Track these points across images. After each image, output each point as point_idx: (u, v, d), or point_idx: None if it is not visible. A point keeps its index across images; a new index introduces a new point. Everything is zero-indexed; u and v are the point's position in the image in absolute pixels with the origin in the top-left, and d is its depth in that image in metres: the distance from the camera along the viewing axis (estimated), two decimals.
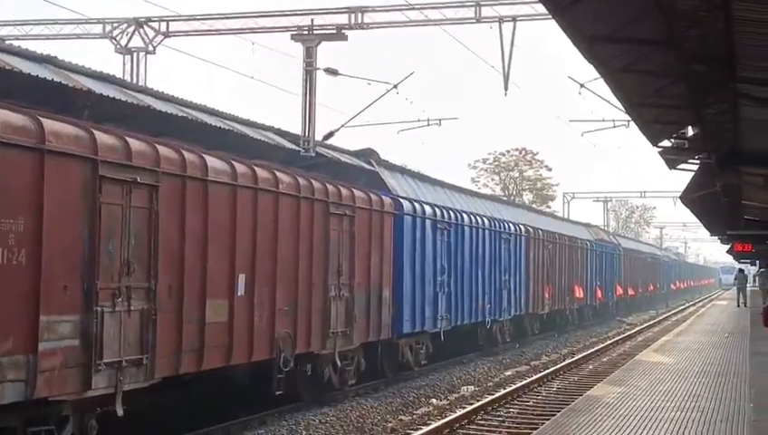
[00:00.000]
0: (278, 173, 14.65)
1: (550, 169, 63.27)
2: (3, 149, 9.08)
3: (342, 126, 21.94)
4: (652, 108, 14.62)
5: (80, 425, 10.47)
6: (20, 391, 9.24)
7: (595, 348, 28.55)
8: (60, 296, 9.80)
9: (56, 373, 9.71)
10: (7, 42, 18.24)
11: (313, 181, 15.81)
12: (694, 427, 10.15)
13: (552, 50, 69.84)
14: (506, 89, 23.05)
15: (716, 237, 47.51)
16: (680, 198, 28.48)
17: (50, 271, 9.59)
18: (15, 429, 9.54)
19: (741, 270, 47.78)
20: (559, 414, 11.48)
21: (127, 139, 11.13)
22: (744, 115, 15.09)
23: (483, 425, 15.01)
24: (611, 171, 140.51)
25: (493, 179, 61.96)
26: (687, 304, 62.82)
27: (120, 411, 10.73)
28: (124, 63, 23.99)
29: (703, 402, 11.89)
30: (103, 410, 11.07)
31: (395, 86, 21.95)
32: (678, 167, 21.46)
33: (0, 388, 8.95)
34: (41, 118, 9.80)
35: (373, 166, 21.51)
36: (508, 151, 62.15)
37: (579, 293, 37.65)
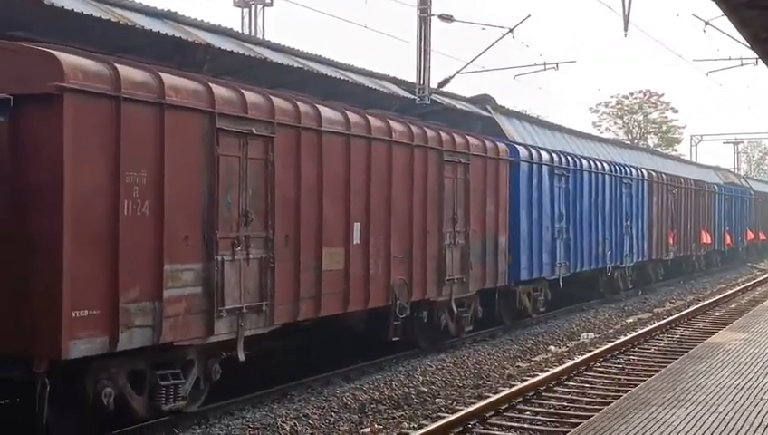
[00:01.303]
0: (391, 122, 14.72)
1: (676, 111, 61.33)
2: (125, 104, 9.42)
3: (457, 72, 21.87)
4: None
5: (204, 369, 10.92)
6: (147, 336, 9.70)
7: (722, 295, 27.77)
8: (182, 246, 10.19)
9: (180, 319, 10.14)
10: None
11: (427, 129, 15.82)
12: None
13: None
14: (626, 30, 22.39)
15: None
16: None
17: (172, 222, 9.97)
18: (144, 372, 10.04)
19: None
20: (676, 361, 11.29)
21: (243, 91, 11.37)
22: None
23: (601, 372, 14.88)
24: (742, 112, 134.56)
25: (615, 123, 60.52)
26: None
27: (241, 356, 11.14)
28: (242, 16, 24.42)
29: None
30: (226, 355, 11.55)
31: (510, 30, 21.65)
32: None
33: (128, 333, 9.41)
34: (160, 73, 10.11)
35: (489, 112, 21.36)
36: (632, 94, 60.47)
37: (706, 238, 36.55)
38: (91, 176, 9.07)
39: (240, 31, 20.65)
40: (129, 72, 9.62)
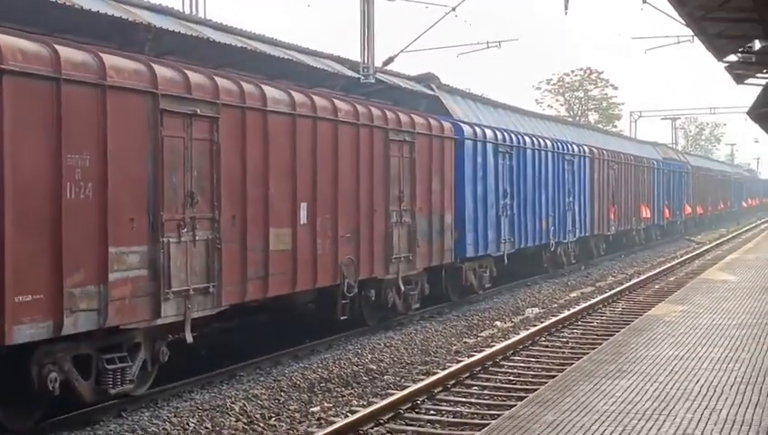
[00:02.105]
0: (336, 101, 14.72)
1: (615, 88, 62.20)
2: (66, 85, 9.28)
3: (402, 51, 21.81)
4: (717, 22, 14.26)
5: (151, 352, 10.87)
6: (93, 319, 9.61)
7: (662, 268, 28.37)
8: (127, 228, 10.10)
9: (127, 302, 10.07)
10: None
11: (372, 108, 15.85)
12: (754, 343, 10.14)
13: None
14: (566, 8, 22.60)
15: None
16: (748, 112, 27.82)
17: (116, 204, 9.87)
18: (90, 356, 9.96)
19: None
20: (618, 334, 11.55)
21: (186, 72, 11.27)
22: None
23: (546, 346, 15.15)
24: (679, 89, 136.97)
25: (557, 100, 61.21)
26: (759, 222, 61.66)
27: (189, 338, 11.11)
28: None
29: (765, 319, 11.82)
30: (174, 338, 11.51)
31: (453, 9, 21.68)
32: (746, 82, 20.96)
33: (73, 317, 9.32)
34: (101, 54, 9.97)
35: (434, 90, 21.42)
36: (572, 71, 61.14)
37: (646, 212, 37.26)
38: (31, 159, 8.93)
39: (182, 10, 20.38)
40: (69, 53, 9.48)
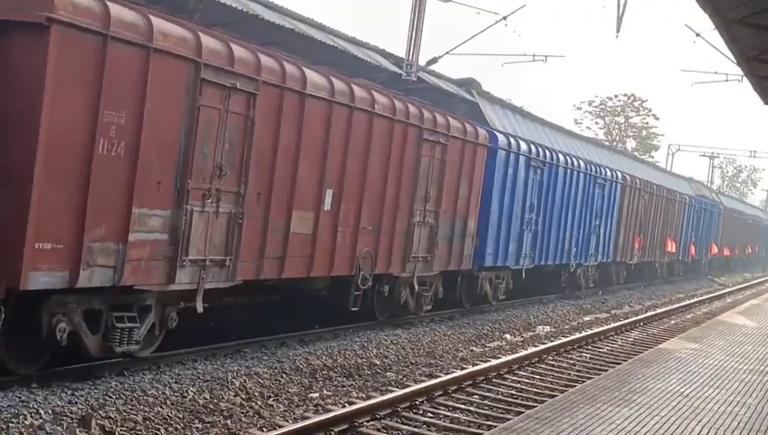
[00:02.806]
0: (375, 93, 14.71)
1: (657, 119, 61.80)
2: (112, 43, 9.34)
3: (447, 52, 21.85)
4: (767, 64, 14.12)
5: (161, 316, 10.94)
6: (108, 276, 9.69)
7: (680, 304, 28.14)
8: (153, 191, 10.16)
9: (143, 264, 10.14)
10: None
11: (409, 105, 15.83)
12: (761, 390, 10.03)
13: None
14: (618, 30, 22.48)
15: None
16: None
17: (145, 166, 9.93)
18: (101, 312, 10.04)
19: None
20: (626, 363, 11.48)
21: (230, 44, 11.32)
22: None
23: (552, 365, 15.06)
24: (721, 128, 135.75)
25: (597, 123, 60.88)
26: None
27: (200, 308, 11.17)
28: None
29: None
30: (185, 305, 11.57)
31: (504, 18, 21.64)
32: None
33: (90, 271, 9.40)
34: (151, 16, 10.03)
35: (473, 96, 21.39)
36: (616, 96, 60.79)
37: (671, 246, 36.97)
38: (69, 111, 9.00)
39: None
40: (119, 11, 9.54)
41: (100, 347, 10.12)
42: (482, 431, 8.87)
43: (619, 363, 12.67)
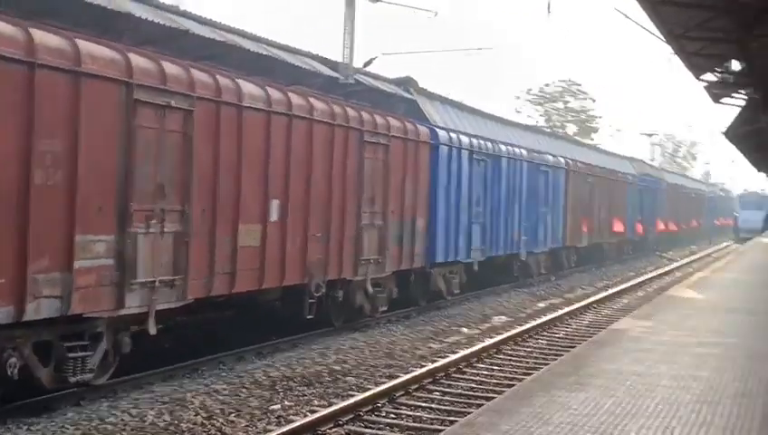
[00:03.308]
0: (312, 100, 14.71)
1: (594, 101, 62.64)
2: (40, 70, 9.23)
3: (382, 53, 21.89)
4: (695, 41, 14.42)
5: (114, 342, 10.82)
6: (56, 307, 9.56)
7: (631, 283, 28.57)
8: (95, 217, 10.06)
9: (91, 291, 10.02)
10: None
11: (348, 109, 15.86)
12: (715, 362, 10.23)
13: None
14: (549, 11, 22.68)
15: (765, 174, 46.83)
16: (725, 133, 28.10)
17: (85, 192, 9.83)
18: (52, 343, 9.90)
19: None
20: (580, 346, 11.63)
21: (162, 62, 11.24)
22: None
23: (510, 355, 15.20)
24: (658, 106, 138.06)
25: (537, 110, 61.52)
26: (731, 242, 62.20)
27: (152, 330, 11.07)
28: None
29: (729, 339, 11.93)
30: (138, 329, 11.45)
31: (436, 13, 21.77)
32: (723, 101, 21.18)
33: (36, 303, 9.27)
34: (77, 40, 9.93)
35: (412, 94, 21.45)
36: (553, 82, 61.51)
37: (618, 226, 37.50)
38: (1, 142, 8.87)
39: (164, 1, 20.28)
40: (43, 38, 9.43)
41: (53, 379, 9.98)
42: (444, 428, 8.93)
43: (574, 347, 12.84)
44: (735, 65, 16.98)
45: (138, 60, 10.75)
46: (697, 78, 18.02)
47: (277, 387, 11.99)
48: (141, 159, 10.70)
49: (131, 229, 10.55)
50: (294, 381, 12.36)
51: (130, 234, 10.54)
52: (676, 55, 16.44)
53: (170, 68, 11.29)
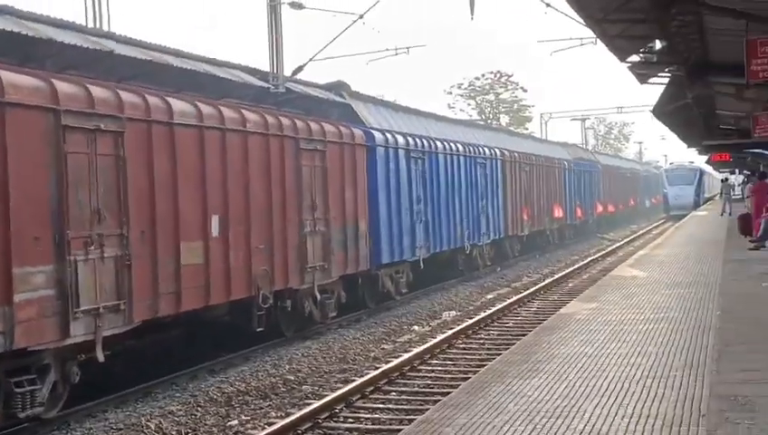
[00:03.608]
0: (245, 112, 14.66)
1: (525, 91, 63.34)
2: None
3: (311, 60, 21.82)
4: (616, 23, 14.66)
5: (62, 373, 10.65)
6: None
7: (575, 266, 28.96)
8: (31, 248, 9.90)
9: (34, 323, 9.86)
10: None
11: (282, 118, 15.83)
12: (661, 337, 10.41)
13: None
14: (472, 13, 22.93)
15: (694, 149, 47.79)
16: (653, 111, 28.65)
17: (19, 223, 9.67)
18: None
19: (725, 179, 48.05)
20: (530, 334, 11.75)
21: (89, 86, 11.11)
22: (708, 25, 15.21)
23: (463, 348, 15.33)
24: (588, 90, 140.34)
25: (469, 104, 62.00)
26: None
27: (100, 357, 10.92)
28: (86, 8, 23.61)
29: (672, 313, 12.14)
30: (85, 357, 11.29)
31: (361, 16, 21.81)
32: (649, 81, 21.58)
33: None
34: None
35: (345, 98, 21.48)
36: (483, 75, 62.04)
37: (558, 212, 37.98)
38: None
39: (85, 23, 20.01)
40: None
41: (2, 416, 9.81)
42: (402, 427, 8.96)
43: (525, 335, 12.99)
44: (658, 45, 17.34)
45: (63, 86, 10.60)
46: (622, 61, 18.35)
47: (233, 402, 11.92)
48: (75, 185, 10.56)
49: (70, 257, 10.40)
50: (250, 395, 12.29)
51: (70, 262, 10.39)
52: (599, 39, 16.76)
53: (98, 91, 11.16)
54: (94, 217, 10.85)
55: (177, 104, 12.80)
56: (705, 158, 49.79)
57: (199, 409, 11.57)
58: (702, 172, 60.35)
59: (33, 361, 10.18)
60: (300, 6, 20.80)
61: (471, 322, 17.49)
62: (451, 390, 10.66)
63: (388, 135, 20.65)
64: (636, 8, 13.32)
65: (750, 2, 12.56)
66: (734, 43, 14.49)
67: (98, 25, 22.39)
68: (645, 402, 7.59)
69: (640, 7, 13.21)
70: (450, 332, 16.39)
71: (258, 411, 11.44)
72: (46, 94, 10.27)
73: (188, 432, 10.51)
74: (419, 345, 15.35)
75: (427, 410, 8.72)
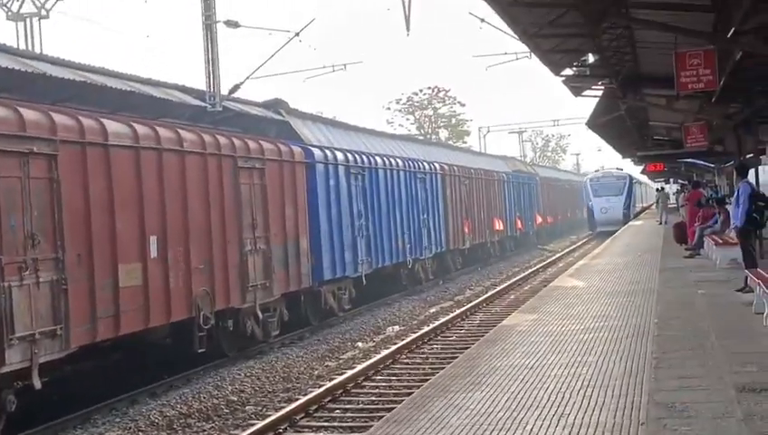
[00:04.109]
0: (182, 131, 14.55)
1: (463, 105, 63.93)
2: None
3: (247, 78, 21.84)
4: (549, 38, 14.91)
5: None
6: None
7: (516, 278, 29.21)
8: None
9: None
10: None
11: (219, 137, 15.74)
12: (601, 346, 10.55)
13: None
14: (408, 29, 23.10)
15: (629, 159, 48.54)
16: (587, 123, 29.13)
17: None
18: None
19: (660, 188, 48.51)
20: (473, 347, 11.82)
21: (20, 109, 10.93)
22: (639, 39, 15.54)
23: (407, 364, 15.34)
24: (524, 103, 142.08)
25: (408, 119, 62.31)
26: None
27: (37, 384, 10.71)
28: (17, 31, 23.29)
29: (611, 322, 12.31)
30: (22, 385, 11.05)
31: (297, 34, 21.84)
32: (583, 93, 21.97)
33: None
34: None
35: (283, 116, 21.44)
36: (421, 90, 62.45)
37: (498, 225, 38.31)
38: None
39: (16, 46, 19.70)
40: None
41: None
42: None
43: (467, 348, 13.06)
44: (591, 58, 17.64)
45: None
46: (556, 74, 18.64)
47: (175, 426, 11.76)
48: (7, 209, 10.38)
49: (4, 283, 10.20)
50: (192, 418, 12.14)
51: (4, 287, 10.19)
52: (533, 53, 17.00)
53: (29, 114, 10.99)
54: (28, 242, 10.66)
55: (112, 125, 12.65)
56: (641, 168, 50.62)
57: (140, 434, 11.39)
58: (631, 180, 53.15)
59: None
60: (235, 25, 20.74)
61: (415, 336, 17.52)
62: (395, 405, 10.68)
63: (328, 151, 20.65)
64: (568, 23, 13.56)
65: (678, 15, 12.87)
66: (664, 56, 14.84)
67: (30, 48, 22.11)
68: (586, 412, 7.68)
69: (573, 22, 13.45)
70: (394, 347, 16.40)
71: (201, 434, 11.30)
72: None
73: None
74: (363, 362, 15.33)
75: (371, 426, 8.72)
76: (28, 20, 23.24)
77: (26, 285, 10.57)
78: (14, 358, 10.30)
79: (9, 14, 23.52)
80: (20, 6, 23.50)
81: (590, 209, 51.48)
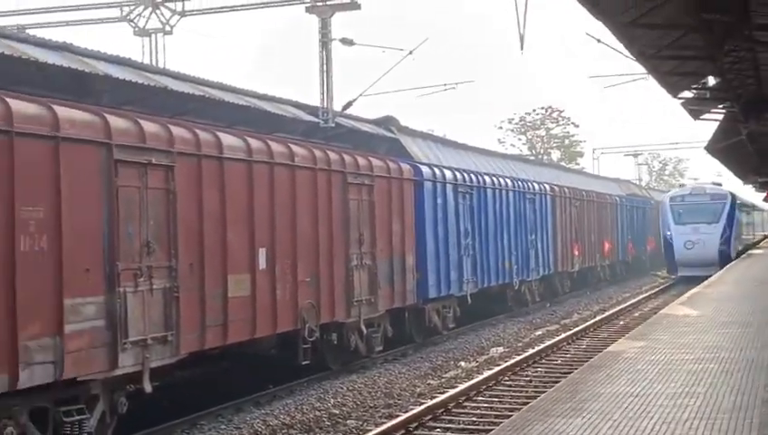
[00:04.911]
0: (293, 146, 14.83)
1: (577, 126, 62.99)
2: (17, 139, 9.31)
3: (360, 95, 22.01)
4: (668, 60, 14.60)
5: (110, 403, 10.78)
6: (49, 372, 9.55)
7: (627, 303, 28.59)
8: (82, 279, 10.08)
9: (83, 354, 10.01)
10: (28, 30, 18.55)
11: (330, 152, 15.98)
12: (708, 378, 10.25)
13: (568, 5, 69.03)
14: (522, 48, 22.90)
15: (750, 185, 46.95)
16: (706, 147, 28.32)
17: (71, 255, 9.85)
18: (47, 409, 9.87)
19: None
20: (576, 371, 11.64)
21: (140, 121, 11.34)
22: (762, 62, 15.04)
23: (510, 385, 15.20)
24: (641, 125, 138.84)
25: (519, 139, 61.78)
26: None
27: (148, 388, 11.04)
28: (143, 46, 24.21)
29: (723, 353, 11.95)
30: (133, 388, 11.42)
31: (410, 52, 21.97)
32: (703, 117, 21.38)
33: (29, 370, 9.25)
34: (54, 106, 10.02)
35: (394, 133, 21.62)
36: (534, 110, 61.86)
37: (609, 249, 37.57)
38: None
39: (141, 60, 20.48)
40: (21, 106, 9.52)
41: None
42: None
43: (571, 373, 12.86)
44: (711, 81, 17.18)
45: (116, 121, 10.84)
46: (674, 96, 18.22)
47: None
48: (126, 218, 10.75)
49: (120, 289, 10.57)
50: (294, 429, 12.32)
51: (119, 293, 10.55)
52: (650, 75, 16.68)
53: (149, 126, 11.39)
54: (144, 250, 11.03)
55: (227, 138, 13.00)
56: (763, 195, 48.70)
57: None
58: (734, 201, 37.12)
59: (82, 391, 10.32)
60: (350, 43, 21.01)
61: (519, 358, 17.35)
62: (495, 427, 10.59)
63: (436, 169, 20.70)
64: (688, 45, 13.24)
65: None
66: None
67: (154, 63, 22.95)
68: None
69: (692, 44, 13.13)
70: (497, 368, 16.28)
71: None
72: (99, 128, 10.50)
73: None
74: (465, 381, 15.26)
75: None
76: (153, 36, 24.12)
77: (140, 292, 10.93)
78: (126, 362, 10.65)
79: (136, 29, 24.45)
80: (146, 23, 24.41)
81: (667, 242, 36.67)
